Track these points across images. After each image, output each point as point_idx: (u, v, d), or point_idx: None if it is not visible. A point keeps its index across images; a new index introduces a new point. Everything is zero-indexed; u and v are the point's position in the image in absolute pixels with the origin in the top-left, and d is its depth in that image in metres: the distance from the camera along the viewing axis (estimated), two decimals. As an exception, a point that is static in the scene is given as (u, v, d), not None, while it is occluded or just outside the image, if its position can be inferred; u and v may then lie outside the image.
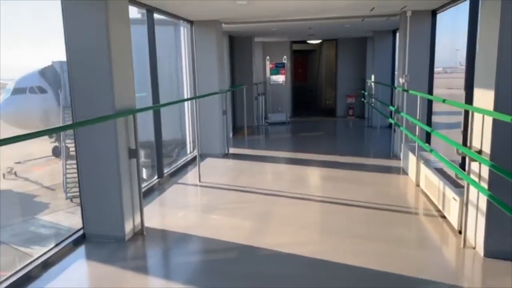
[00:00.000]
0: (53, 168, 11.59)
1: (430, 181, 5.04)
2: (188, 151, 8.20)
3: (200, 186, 6.00)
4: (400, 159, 6.97)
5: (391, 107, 7.50)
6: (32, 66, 11.99)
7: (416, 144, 5.56)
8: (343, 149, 8.62)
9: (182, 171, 6.80)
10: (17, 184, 10.82)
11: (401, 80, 7.17)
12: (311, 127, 12.03)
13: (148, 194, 5.50)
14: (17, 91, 11.42)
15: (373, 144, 9.37)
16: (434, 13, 6.94)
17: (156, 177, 6.13)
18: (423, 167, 5.37)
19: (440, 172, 4.95)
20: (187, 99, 7.14)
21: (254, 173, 6.73)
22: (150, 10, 5.86)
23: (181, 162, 7.17)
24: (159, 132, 6.15)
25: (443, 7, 6.63)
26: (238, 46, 11.35)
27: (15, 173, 11.03)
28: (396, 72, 10.84)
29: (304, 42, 14.85)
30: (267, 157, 7.87)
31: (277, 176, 6.59)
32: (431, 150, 4.99)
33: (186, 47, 7.81)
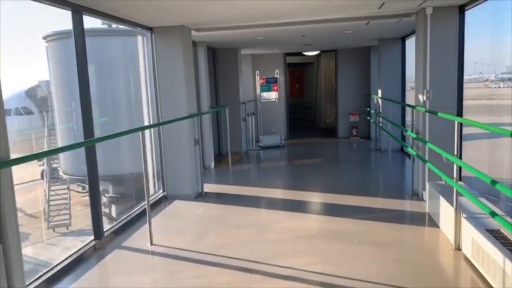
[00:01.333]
0: (39, 193, 10.68)
1: (482, 249, 3.33)
2: (152, 191, 6.53)
3: (151, 252, 4.29)
4: (423, 200, 5.30)
5: (409, 133, 5.82)
6: (17, 86, 11.33)
7: (454, 191, 3.87)
8: (349, 183, 6.88)
9: (135, 224, 5.10)
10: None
11: (421, 97, 5.52)
12: (310, 152, 10.33)
13: (70, 269, 3.82)
14: (18, 111, 11.08)
15: (386, 175, 7.60)
16: (462, 10, 5.33)
17: (92, 238, 4.43)
18: (467, 225, 3.67)
19: (499, 236, 3.27)
20: (139, 129, 5.12)
21: (230, 227, 5.01)
22: (77, 11, 4.23)
23: (135, 210, 5.47)
24: (93, 172, 4.47)
25: (474, 1, 5.03)
26: (222, 60, 9.75)
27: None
28: (407, 86, 9.24)
29: (300, 54, 13.29)
30: (251, 198, 6.17)
31: (260, 232, 4.79)
32: (486, 208, 3.30)
33: (146, 61, 6.21)
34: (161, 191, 6.32)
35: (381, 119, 9.13)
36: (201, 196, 6.30)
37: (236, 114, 9.81)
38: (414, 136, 5.60)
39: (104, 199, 9.80)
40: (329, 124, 14.00)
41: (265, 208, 5.62)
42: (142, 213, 5.28)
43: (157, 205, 5.94)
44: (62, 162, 9.05)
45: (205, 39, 7.91)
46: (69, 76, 7.73)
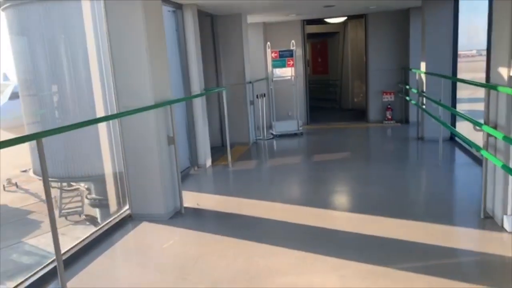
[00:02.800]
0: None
1: None
2: (117, 207, 4.85)
3: None
4: (504, 229, 3.42)
5: (484, 127, 3.82)
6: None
7: None
8: (387, 195, 4.93)
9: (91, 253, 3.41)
10: (16, 197, 10.42)
11: (505, 73, 3.53)
12: (333, 142, 8.37)
13: None
14: (16, 95, 10.25)
15: (437, 181, 5.48)
16: None
17: None
18: None
19: None
20: (77, 125, 3.31)
21: (204, 282, 3.24)
22: None
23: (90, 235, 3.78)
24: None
25: None
26: (223, 30, 7.85)
27: (16, 184, 10.60)
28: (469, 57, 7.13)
29: (322, 22, 11.20)
30: (247, 221, 4.36)
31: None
32: None
33: (98, 31, 4.43)
34: (126, 207, 4.61)
35: (425, 100, 7.11)
36: (179, 216, 4.55)
37: (241, 96, 7.96)
38: (491, 131, 3.63)
39: (86, 201, 8.36)
40: (357, 105, 11.96)
41: (265, 242, 3.79)
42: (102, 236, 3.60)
43: (117, 229, 4.25)
44: (32, 161, 7.50)
45: (195, 0, 6.04)
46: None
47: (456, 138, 7.04)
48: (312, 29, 11.67)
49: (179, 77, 6.25)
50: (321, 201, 4.78)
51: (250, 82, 8.03)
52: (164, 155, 4.45)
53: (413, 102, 7.63)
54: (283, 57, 8.77)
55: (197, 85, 6.29)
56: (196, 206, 4.81)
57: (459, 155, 6.50)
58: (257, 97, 8.66)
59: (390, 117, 9.36)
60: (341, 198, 5.06)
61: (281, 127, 8.86)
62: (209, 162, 6.68)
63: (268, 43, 8.79)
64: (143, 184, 4.41)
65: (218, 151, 7.52)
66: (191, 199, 5.04)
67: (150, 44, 4.21)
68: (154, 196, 4.42)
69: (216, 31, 7.83)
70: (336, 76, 12.94)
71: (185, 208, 4.69)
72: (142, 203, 4.45)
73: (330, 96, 13.20)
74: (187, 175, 6.16)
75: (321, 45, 13.54)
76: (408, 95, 8.67)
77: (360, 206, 4.64)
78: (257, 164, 6.89)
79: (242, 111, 8.01)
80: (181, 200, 4.64)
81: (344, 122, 10.12)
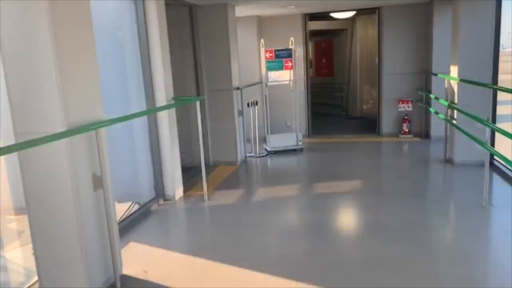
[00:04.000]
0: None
1: None
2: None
3: None
4: None
5: None
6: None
7: None
8: (418, 258, 3.42)
9: None
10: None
11: None
12: (339, 163, 6.74)
13: None
14: None
15: (489, 234, 4.01)
16: None
17: None
18: None
19: None
20: None
21: None
22: None
23: None
24: None
25: None
26: (205, 24, 6.36)
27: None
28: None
29: (327, 17, 9.71)
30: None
31: None
32: None
33: None
34: (33, 280, 3.12)
35: (455, 113, 5.61)
36: (112, 294, 3.08)
37: (227, 105, 6.49)
38: None
39: None
40: (367, 113, 10.45)
41: None
42: None
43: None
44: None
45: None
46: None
47: (496, 162, 5.53)
48: (316, 25, 10.16)
49: (139, 84, 4.77)
50: (321, 271, 3.27)
51: (238, 88, 6.54)
52: (87, 205, 2.97)
53: (440, 116, 6.11)
54: (280, 58, 7.27)
55: (162, 94, 4.80)
56: (142, 275, 3.32)
57: (506, 188, 4.98)
58: (248, 105, 7.17)
59: (407, 130, 7.84)
60: (350, 265, 3.53)
61: (277, 141, 7.36)
62: (179, 192, 5.19)
63: (262, 40, 7.29)
64: (55, 250, 2.93)
65: (197, 172, 6.08)
66: (139, 258, 3.57)
67: (62, 42, 2.72)
68: (69, 266, 2.93)
69: (196, 25, 6.35)
70: (343, 79, 11.40)
71: (125, 277, 3.21)
72: (54, 275, 2.97)
73: (335, 102, 11.67)
74: (148, 213, 4.67)
75: (325, 44, 12.01)
76: (429, 105, 7.16)
77: (376, 279, 3.13)
78: (242, 196, 5.38)
79: (228, 124, 6.53)
80: (116, 268, 3.15)
81: (352, 135, 8.59)
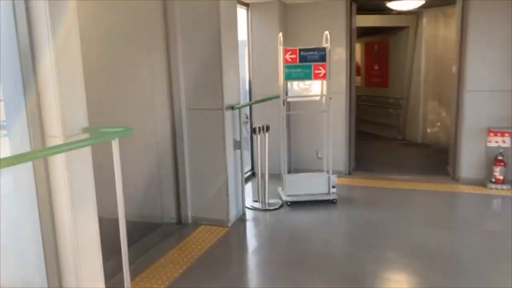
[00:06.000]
0: None
1: None
2: None
3: None
4: None
5: None
6: None
7: None
8: None
9: None
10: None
11: None
12: (394, 238, 4.03)
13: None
14: None
15: None
16: None
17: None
18: None
19: None
20: None
21: None
22: None
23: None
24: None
25: None
26: (184, 14, 4.05)
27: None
28: None
29: (382, 9, 7.19)
30: None
31: None
32: None
33: None
34: None
35: None
36: None
37: (215, 131, 4.14)
38: None
39: None
40: (431, 139, 7.77)
41: None
42: None
43: None
44: None
45: None
46: None
47: None
48: (366, 20, 7.61)
49: (18, 108, 2.53)
50: None
51: (232, 108, 4.14)
52: None
53: None
54: (308, 61, 4.81)
55: (57, 124, 2.52)
56: None
57: None
58: (255, 131, 4.79)
59: (501, 177, 5.11)
60: None
61: (297, 186, 4.92)
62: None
63: (280, 34, 4.87)
64: None
65: (166, 236, 3.85)
66: None
67: None
68: None
69: (172, 14, 4.05)
70: (401, 92, 8.70)
71: None
72: None
73: (389, 121, 8.99)
74: None
75: (379, 46, 9.35)
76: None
77: None
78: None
79: (215, 160, 4.18)
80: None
81: (411, 176, 5.92)
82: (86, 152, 2.67)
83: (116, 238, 2.56)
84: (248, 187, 5.56)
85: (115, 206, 2.61)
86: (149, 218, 4.37)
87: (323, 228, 4.32)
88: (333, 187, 4.95)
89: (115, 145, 2.51)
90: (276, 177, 5.25)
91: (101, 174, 2.97)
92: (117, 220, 2.56)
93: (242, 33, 6.08)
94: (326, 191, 4.93)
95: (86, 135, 2.70)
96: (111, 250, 2.77)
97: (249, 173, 6.00)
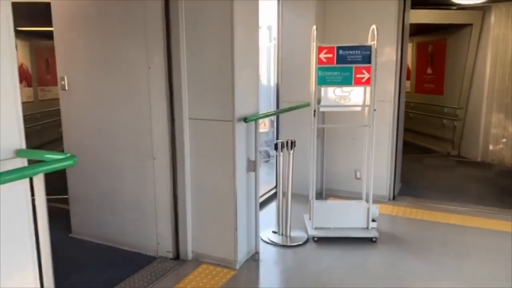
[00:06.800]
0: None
1: None
2: None
3: None
4: None
5: None
6: None
7: None
8: None
9: None
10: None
11: None
12: None
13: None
14: None
15: None
16: None
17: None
18: None
19: None
20: None
21: None
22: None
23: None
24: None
25: None
26: (190, 9, 3.22)
27: None
28: None
29: (441, 3, 6.10)
30: None
31: None
32: None
33: None
34: None
35: None
36: None
37: (223, 149, 3.27)
38: None
39: None
40: (494, 157, 6.59)
41: None
42: None
43: None
44: None
45: None
46: None
47: None
48: (420, 16, 6.52)
49: None
50: None
51: (245, 120, 3.25)
52: None
53: None
54: (347, 63, 3.85)
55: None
56: None
57: None
58: (277, 147, 3.89)
59: None
60: None
61: (327, 216, 3.98)
62: None
63: (314, 28, 3.92)
64: None
65: (163, 272, 3.08)
66: None
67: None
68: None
69: (175, 10, 3.23)
70: (457, 100, 7.50)
71: None
72: None
73: (442, 133, 7.81)
74: None
75: (434, 46, 8.16)
76: None
77: None
78: None
79: (223, 185, 3.31)
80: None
81: (470, 206, 4.82)
82: (21, 182, 1.88)
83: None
84: (269, 210, 4.67)
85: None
86: (143, 249, 3.61)
87: (358, 278, 3.35)
88: (374, 220, 3.97)
89: (37, 181, 1.69)
90: (304, 199, 4.33)
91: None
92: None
93: (273, 30, 5.22)
94: (364, 226, 3.96)
95: (22, 160, 1.92)
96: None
97: (272, 192, 5.11)
